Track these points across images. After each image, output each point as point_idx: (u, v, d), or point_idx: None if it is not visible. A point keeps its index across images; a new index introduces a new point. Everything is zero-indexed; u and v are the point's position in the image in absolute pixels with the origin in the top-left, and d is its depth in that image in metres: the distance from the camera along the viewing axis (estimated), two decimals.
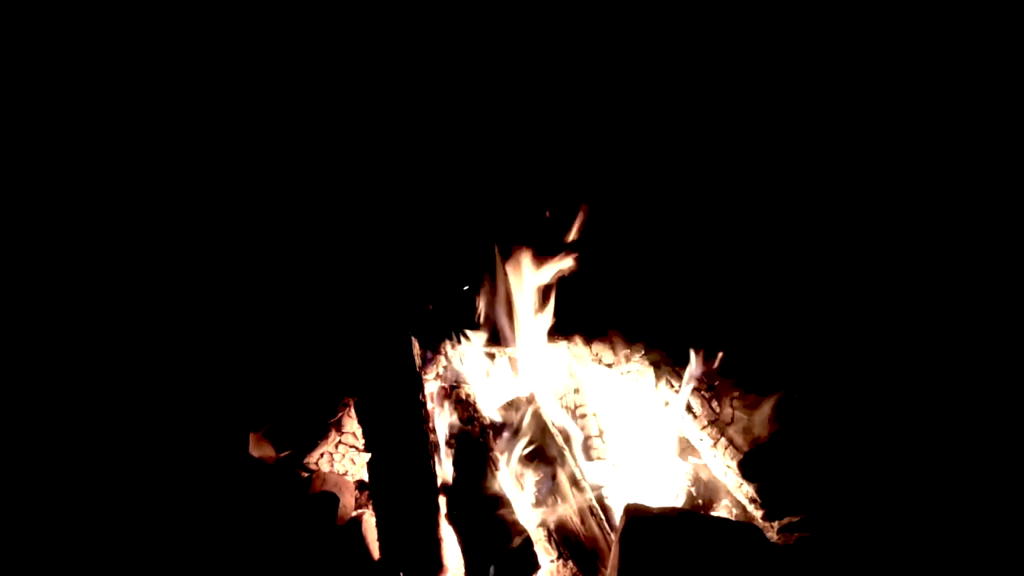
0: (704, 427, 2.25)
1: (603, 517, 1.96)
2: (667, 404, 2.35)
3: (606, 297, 2.53)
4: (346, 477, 2.26)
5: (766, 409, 2.17)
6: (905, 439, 2.06)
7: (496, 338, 2.41)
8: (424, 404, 2.12)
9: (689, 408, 2.29)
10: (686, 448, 2.35)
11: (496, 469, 2.03)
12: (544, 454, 2.08)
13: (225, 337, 2.56)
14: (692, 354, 2.30)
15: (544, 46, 3.11)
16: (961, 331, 2.31)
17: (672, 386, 2.36)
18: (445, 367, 2.42)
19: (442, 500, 1.92)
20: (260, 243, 2.92)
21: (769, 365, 2.38)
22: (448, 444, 2.09)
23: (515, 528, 1.83)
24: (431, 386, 2.34)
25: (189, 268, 2.77)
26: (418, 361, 2.25)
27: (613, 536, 1.81)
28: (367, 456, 2.01)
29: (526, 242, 2.47)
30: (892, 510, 1.89)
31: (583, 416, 2.38)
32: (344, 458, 2.29)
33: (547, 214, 2.62)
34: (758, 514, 2.04)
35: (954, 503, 1.90)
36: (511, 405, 2.23)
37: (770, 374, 2.37)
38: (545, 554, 1.88)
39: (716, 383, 2.40)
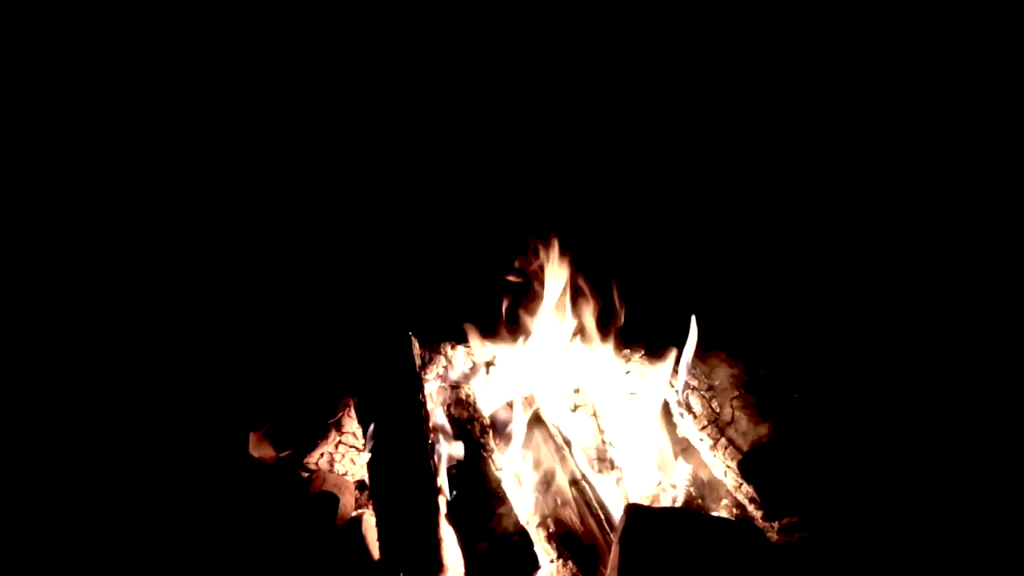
0: (704, 427, 2.25)
1: (603, 517, 1.96)
2: (666, 404, 2.36)
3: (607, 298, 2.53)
4: (346, 477, 2.26)
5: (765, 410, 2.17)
6: (905, 439, 2.06)
7: (497, 338, 2.41)
8: (424, 404, 2.12)
9: (689, 408, 2.30)
10: (686, 448, 2.35)
11: (496, 469, 2.03)
12: (544, 454, 2.08)
13: (226, 337, 2.57)
14: (691, 354, 2.31)
15: (552, 49, 3.12)
16: (959, 331, 2.31)
17: (672, 386, 2.36)
18: (445, 367, 2.42)
19: (442, 500, 1.92)
20: (261, 244, 2.93)
21: (770, 365, 2.38)
22: (448, 443, 2.09)
23: (515, 528, 1.82)
24: (431, 386, 2.33)
25: (190, 269, 2.77)
26: (418, 361, 2.25)
27: (613, 536, 1.81)
28: (367, 456, 2.01)
29: (527, 244, 2.47)
30: (892, 510, 1.89)
31: (583, 416, 2.37)
32: (344, 458, 2.28)
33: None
34: (758, 514, 2.04)
35: (954, 502, 1.90)
36: (511, 405, 2.23)
37: (771, 374, 2.37)
38: (545, 554, 1.88)
39: (716, 383, 2.40)
